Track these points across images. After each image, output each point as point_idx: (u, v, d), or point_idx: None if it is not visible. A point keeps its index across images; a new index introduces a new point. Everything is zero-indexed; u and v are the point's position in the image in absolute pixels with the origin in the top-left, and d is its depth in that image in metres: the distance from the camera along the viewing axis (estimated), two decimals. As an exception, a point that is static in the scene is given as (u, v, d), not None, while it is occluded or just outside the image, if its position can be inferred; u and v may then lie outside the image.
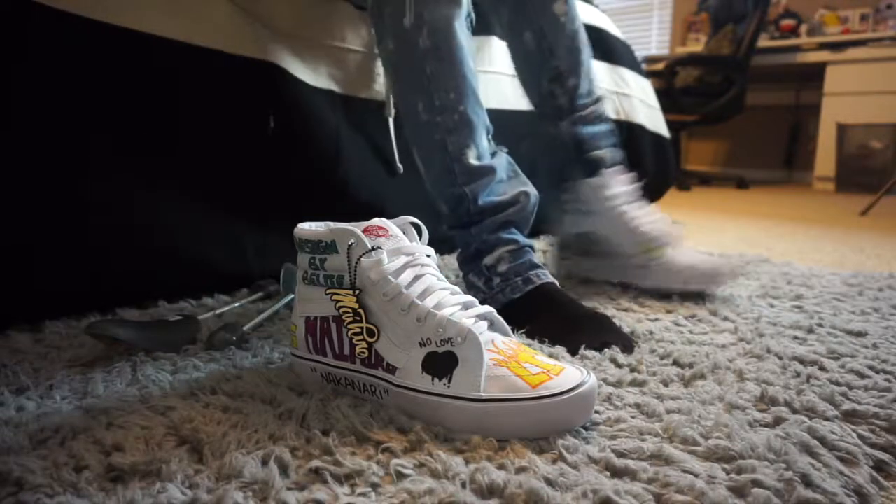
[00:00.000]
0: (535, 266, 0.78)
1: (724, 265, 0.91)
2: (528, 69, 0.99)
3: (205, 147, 0.81)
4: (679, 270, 0.92)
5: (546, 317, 0.72)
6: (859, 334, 0.74)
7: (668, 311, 0.83)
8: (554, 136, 1.02)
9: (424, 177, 0.81)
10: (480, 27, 1.20)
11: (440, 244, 0.78)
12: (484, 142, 0.79)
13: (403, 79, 0.78)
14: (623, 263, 0.96)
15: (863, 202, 2.61)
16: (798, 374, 0.60)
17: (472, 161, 0.77)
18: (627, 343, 0.68)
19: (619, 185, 0.98)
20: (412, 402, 0.49)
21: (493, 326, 0.54)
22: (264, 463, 0.41)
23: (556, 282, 0.78)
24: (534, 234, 0.94)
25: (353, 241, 0.52)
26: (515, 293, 0.76)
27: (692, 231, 1.80)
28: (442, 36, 0.74)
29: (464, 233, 0.80)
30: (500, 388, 0.46)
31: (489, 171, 0.78)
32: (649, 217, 0.96)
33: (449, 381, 0.48)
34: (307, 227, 0.56)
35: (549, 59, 1.01)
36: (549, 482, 0.40)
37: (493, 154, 0.81)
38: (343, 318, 0.53)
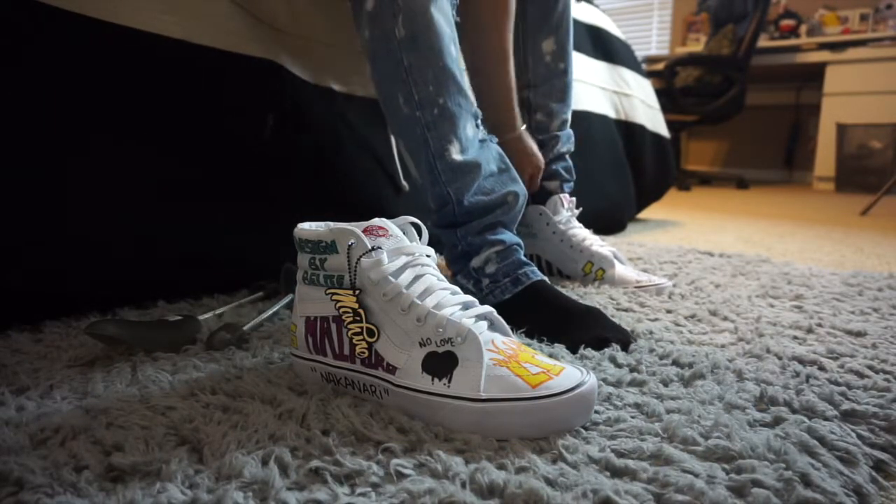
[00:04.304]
0: (524, 264, 0.77)
1: (663, 280, 0.96)
2: None
3: (204, 146, 0.81)
4: (627, 285, 0.96)
5: (538, 316, 0.72)
6: (859, 334, 0.74)
7: (668, 311, 0.83)
8: None
9: (413, 170, 0.79)
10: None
11: (439, 244, 0.78)
12: (469, 132, 0.75)
13: (381, 70, 0.75)
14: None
15: (863, 202, 2.62)
16: (797, 374, 0.60)
17: (456, 157, 0.74)
18: (624, 336, 0.68)
19: (563, 210, 1.03)
20: (412, 402, 0.49)
21: (493, 326, 0.54)
22: (264, 463, 0.41)
23: (546, 278, 0.77)
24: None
25: (353, 241, 0.52)
26: (505, 294, 0.75)
27: (692, 231, 1.80)
28: (419, 23, 0.70)
29: (449, 233, 0.79)
30: (500, 388, 0.46)
31: (474, 166, 0.76)
32: (590, 239, 1.02)
33: (449, 381, 0.48)
34: (307, 227, 0.56)
35: (526, 89, 1.01)
36: (549, 482, 0.40)
37: (483, 142, 0.78)
38: (343, 318, 0.53)
